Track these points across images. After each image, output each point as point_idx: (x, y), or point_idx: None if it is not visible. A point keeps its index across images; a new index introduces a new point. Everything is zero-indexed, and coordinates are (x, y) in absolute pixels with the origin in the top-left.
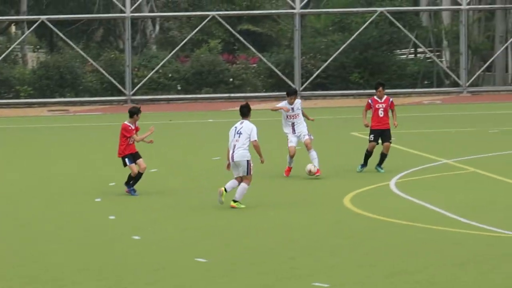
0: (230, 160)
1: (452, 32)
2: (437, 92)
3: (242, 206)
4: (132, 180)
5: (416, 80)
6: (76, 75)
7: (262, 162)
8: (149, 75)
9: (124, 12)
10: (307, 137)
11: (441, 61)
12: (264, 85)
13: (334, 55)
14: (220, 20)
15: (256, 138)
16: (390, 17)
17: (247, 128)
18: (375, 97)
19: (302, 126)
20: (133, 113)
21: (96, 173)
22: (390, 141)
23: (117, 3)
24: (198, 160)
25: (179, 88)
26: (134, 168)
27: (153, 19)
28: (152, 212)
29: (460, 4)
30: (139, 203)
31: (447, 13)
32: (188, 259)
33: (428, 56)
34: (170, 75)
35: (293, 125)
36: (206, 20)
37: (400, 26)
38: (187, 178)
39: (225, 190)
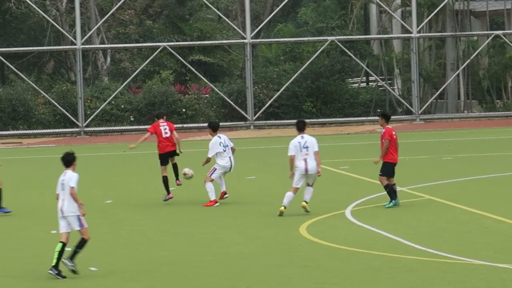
0: (304, 172)
1: (403, 60)
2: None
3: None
4: None
5: (368, 108)
6: (28, 108)
7: (319, 175)
8: (101, 107)
9: (75, 44)
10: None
11: (393, 89)
12: (217, 115)
13: (286, 84)
14: (171, 51)
15: (318, 149)
16: (341, 46)
17: (312, 141)
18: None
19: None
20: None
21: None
22: (380, 173)
23: (67, 35)
24: (152, 191)
25: (132, 119)
26: None
27: (104, 50)
28: (106, 244)
29: (410, 32)
30: (94, 235)
31: (398, 41)
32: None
33: (380, 84)
34: (122, 106)
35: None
36: (157, 51)
37: (351, 55)
38: (141, 208)
39: (285, 207)
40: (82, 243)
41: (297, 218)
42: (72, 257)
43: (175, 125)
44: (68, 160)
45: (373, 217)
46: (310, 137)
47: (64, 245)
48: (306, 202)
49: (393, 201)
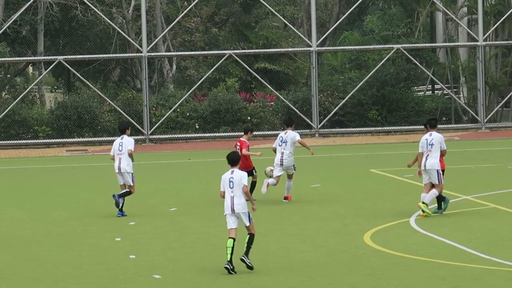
0: (422, 168)
1: (469, 68)
2: (455, 129)
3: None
4: None
5: (434, 116)
6: (94, 115)
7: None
8: (167, 114)
9: (141, 52)
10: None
11: (459, 98)
12: (282, 123)
13: (352, 92)
14: (237, 58)
15: (446, 148)
16: (407, 54)
17: (437, 137)
18: None
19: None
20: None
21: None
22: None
23: (133, 42)
24: (216, 199)
25: (197, 127)
26: None
27: (170, 58)
28: (170, 251)
29: (476, 41)
30: (158, 242)
31: (464, 50)
32: None
33: (446, 92)
34: (187, 114)
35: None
36: (223, 59)
37: (417, 63)
38: (206, 216)
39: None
40: (251, 238)
41: (361, 226)
42: (247, 254)
43: (241, 133)
44: (235, 159)
45: (437, 226)
46: (437, 134)
47: (234, 240)
48: (423, 203)
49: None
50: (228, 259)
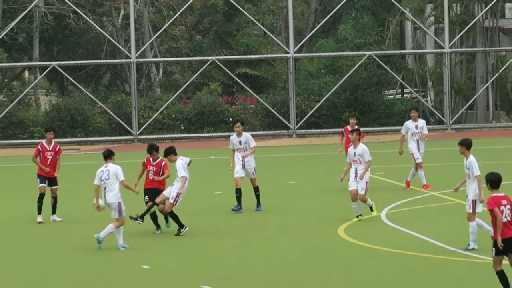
0: None
1: (436, 73)
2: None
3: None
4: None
5: (403, 118)
6: (86, 117)
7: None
8: (154, 116)
9: (130, 58)
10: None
11: (426, 101)
12: (262, 124)
13: (327, 96)
14: (219, 64)
15: None
16: (378, 60)
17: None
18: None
19: None
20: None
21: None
22: None
23: (123, 49)
24: (201, 195)
25: (182, 127)
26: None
27: (157, 64)
28: (158, 244)
29: (443, 48)
30: (148, 236)
31: (431, 56)
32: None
33: (414, 96)
34: (173, 115)
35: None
36: (206, 65)
37: (388, 69)
38: (190, 214)
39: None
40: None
41: (335, 220)
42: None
43: (223, 133)
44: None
45: (406, 220)
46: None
47: None
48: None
49: None
50: None
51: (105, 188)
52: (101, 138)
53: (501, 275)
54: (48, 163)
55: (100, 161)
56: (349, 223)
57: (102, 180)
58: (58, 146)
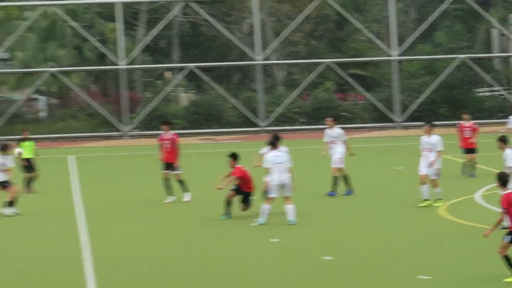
0: None
1: None
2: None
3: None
4: None
5: (492, 113)
6: (219, 111)
7: None
8: (278, 111)
9: (256, 60)
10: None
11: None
12: (370, 118)
13: (426, 93)
14: (332, 66)
15: None
16: (469, 63)
17: None
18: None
19: None
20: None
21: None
22: None
23: (251, 53)
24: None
25: (302, 121)
26: None
27: (280, 65)
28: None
29: None
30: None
31: None
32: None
33: (501, 93)
34: (295, 110)
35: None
36: (321, 67)
37: (478, 70)
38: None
39: None
40: None
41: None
42: None
43: (339, 126)
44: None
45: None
46: None
47: None
48: None
49: None
50: None
51: (279, 170)
52: (233, 129)
53: (508, 259)
54: (166, 151)
55: (232, 149)
56: (450, 203)
57: (276, 164)
58: (175, 137)
